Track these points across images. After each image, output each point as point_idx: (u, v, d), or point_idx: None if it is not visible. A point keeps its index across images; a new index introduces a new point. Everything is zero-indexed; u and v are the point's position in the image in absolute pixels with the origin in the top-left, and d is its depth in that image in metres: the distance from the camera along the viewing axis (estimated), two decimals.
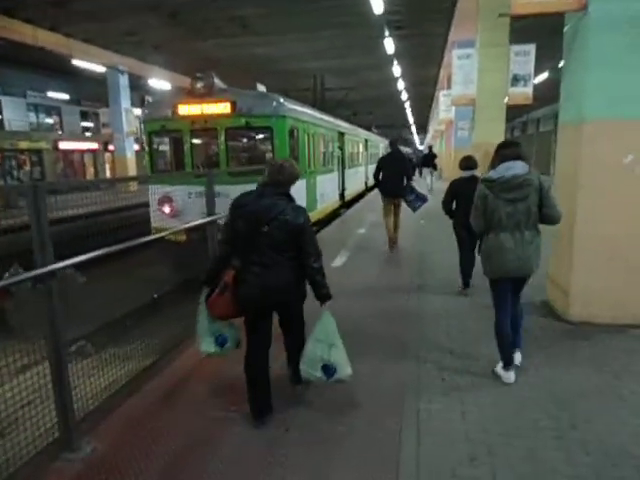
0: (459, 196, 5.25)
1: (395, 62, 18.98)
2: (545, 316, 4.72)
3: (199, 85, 8.55)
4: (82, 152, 30.48)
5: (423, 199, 8.06)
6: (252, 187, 3.02)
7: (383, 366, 3.74)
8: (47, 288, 2.58)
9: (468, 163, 5.37)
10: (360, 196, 18.18)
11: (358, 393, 3.32)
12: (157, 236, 4.06)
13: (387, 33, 15.16)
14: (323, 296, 2.96)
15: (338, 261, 7.39)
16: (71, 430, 2.74)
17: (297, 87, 22.17)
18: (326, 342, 2.93)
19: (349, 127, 16.91)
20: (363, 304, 5.27)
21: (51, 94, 28.08)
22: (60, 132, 29.81)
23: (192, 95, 8.60)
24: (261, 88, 9.78)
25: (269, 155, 8.57)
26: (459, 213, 5.19)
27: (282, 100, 8.72)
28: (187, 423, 3.09)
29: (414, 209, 8.12)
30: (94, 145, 30.85)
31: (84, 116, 32.18)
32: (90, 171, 31.06)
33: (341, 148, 14.75)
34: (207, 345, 3.26)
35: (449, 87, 15.89)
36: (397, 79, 22.38)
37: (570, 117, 4.58)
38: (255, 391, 3.05)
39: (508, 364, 3.48)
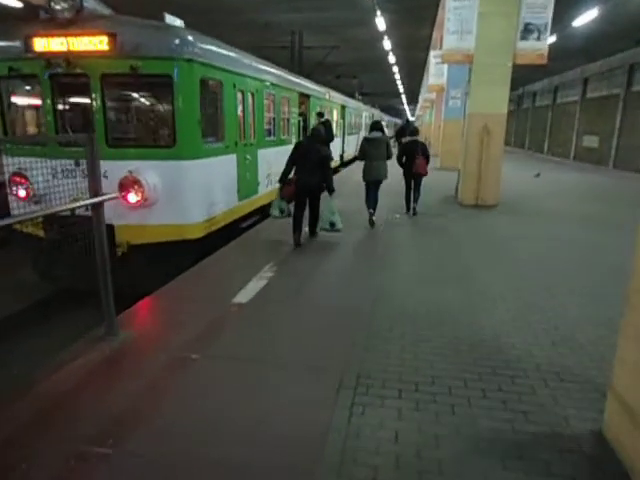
0: (407, 153, 8.63)
1: (379, 13, 15.80)
2: None
3: (60, 7, 5.62)
4: None
5: None
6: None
7: None
8: None
9: (413, 131, 8.99)
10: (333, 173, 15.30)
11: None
12: None
13: None
14: (331, 191, 6.58)
15: (242, 295, 4.63)
16: None
17: (274, 44, 19.11)
18: (331, 212, 6.67)
19: (318, 89, 13.90)
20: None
21: None
22: None
23: (52, 22, 5.69)
24: (172, 20, 6.60)
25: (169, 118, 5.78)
26: (407, 164, 8.59)
27: (190, 37, 5.86)
28: None
29: None
30: None
31: None
32: None
33: (303, 114, 11.86)
34: (274, 211, 6.92)
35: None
36: (383, 36, 19.15)
37: None
38: (295, 230, 6.56)
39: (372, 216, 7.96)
